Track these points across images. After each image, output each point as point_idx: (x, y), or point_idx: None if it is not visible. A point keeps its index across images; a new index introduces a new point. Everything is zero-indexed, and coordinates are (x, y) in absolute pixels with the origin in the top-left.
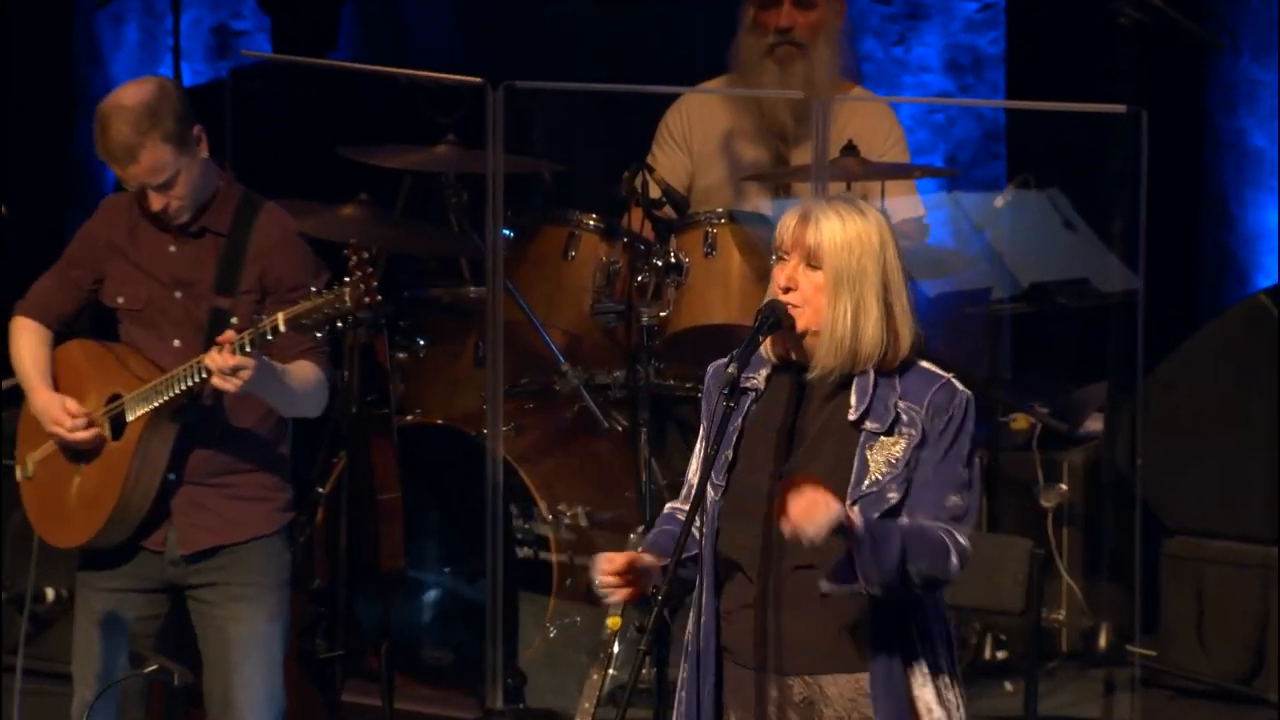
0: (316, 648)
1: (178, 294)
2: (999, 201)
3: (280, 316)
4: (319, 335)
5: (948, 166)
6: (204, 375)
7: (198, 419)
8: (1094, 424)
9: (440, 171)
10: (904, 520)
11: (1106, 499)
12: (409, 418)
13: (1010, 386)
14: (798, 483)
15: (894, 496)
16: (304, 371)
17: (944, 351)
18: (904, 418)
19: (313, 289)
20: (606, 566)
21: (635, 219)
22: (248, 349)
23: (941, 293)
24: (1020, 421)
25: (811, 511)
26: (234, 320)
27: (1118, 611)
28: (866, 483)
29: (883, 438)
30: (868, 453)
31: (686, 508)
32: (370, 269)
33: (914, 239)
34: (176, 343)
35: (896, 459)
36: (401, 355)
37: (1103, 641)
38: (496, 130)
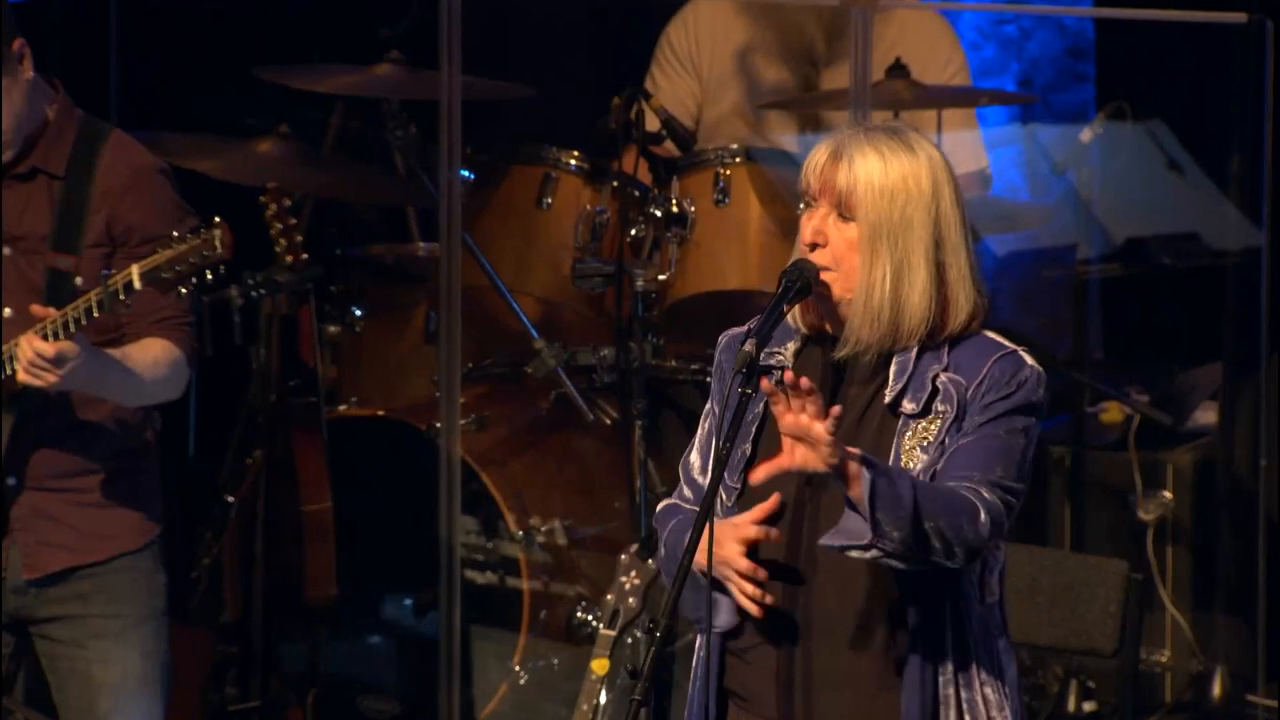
0: (226, 697)
1: (6, 251)
2: (1086, 135)
3: (134, 269)
4: (180, 297)
5: (1022, 91)
6: None
7: (37, 407)
8: (1205, 416)
9: (381, 98)
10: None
11: (1221, 511)
12: (342, 408)
13: (1100, 369)
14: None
15: None
16: (151, 352)
17: (1016, 325)
18: (940, 391)
19: (174, 234)
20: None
21: (628, 158)
22: (71, 328)
23: (1012, 251)
24: (1113, 413)
25: (807, 435)
26: (78, 282)
27: (1236, 652)
28: None
29: (917, 421)
30: (903, 440)
31: (683, 505)
32: (292, 220)
33: (971, 194)
34: (8, 311)
35: (929, 443)
36: (333, 329)
37: (1217, 690)
38: (452, 46)
